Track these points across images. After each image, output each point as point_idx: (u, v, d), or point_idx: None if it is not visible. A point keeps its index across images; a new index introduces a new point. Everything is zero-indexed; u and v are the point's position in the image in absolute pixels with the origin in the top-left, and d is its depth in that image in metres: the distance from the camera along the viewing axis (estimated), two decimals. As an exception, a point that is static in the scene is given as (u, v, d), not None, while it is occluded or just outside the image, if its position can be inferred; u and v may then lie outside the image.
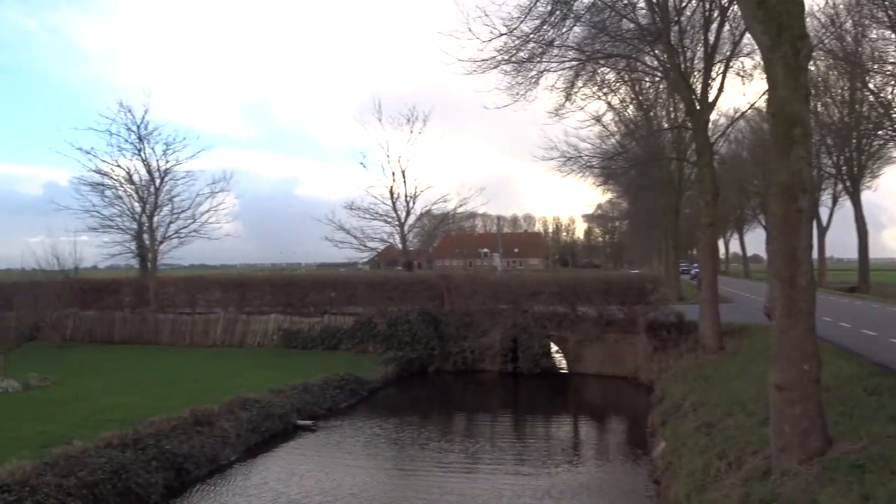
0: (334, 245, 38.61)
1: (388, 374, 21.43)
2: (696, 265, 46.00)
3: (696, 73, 22.55)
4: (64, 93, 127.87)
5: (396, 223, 38.14)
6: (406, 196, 37.50)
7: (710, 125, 21.28)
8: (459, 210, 40.63)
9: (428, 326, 23.58)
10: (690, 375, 15.91)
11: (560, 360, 23.93)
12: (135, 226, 32.03)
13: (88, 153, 31.34)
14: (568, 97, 20.69)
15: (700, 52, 21.81)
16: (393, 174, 37.14)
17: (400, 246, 39.63)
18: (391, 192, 37.33)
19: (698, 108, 19.33)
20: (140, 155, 31.53)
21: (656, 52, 20.62)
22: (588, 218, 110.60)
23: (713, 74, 19.95)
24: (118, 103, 32.38)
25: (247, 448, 13.57)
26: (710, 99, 19.62)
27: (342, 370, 19.51)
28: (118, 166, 31.63)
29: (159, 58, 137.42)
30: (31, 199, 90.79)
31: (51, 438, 11.56)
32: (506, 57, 16.44)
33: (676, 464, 10.39)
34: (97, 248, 32.27)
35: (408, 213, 38.11)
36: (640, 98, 31.77)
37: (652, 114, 34.04)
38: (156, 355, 23.73)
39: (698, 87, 20.22)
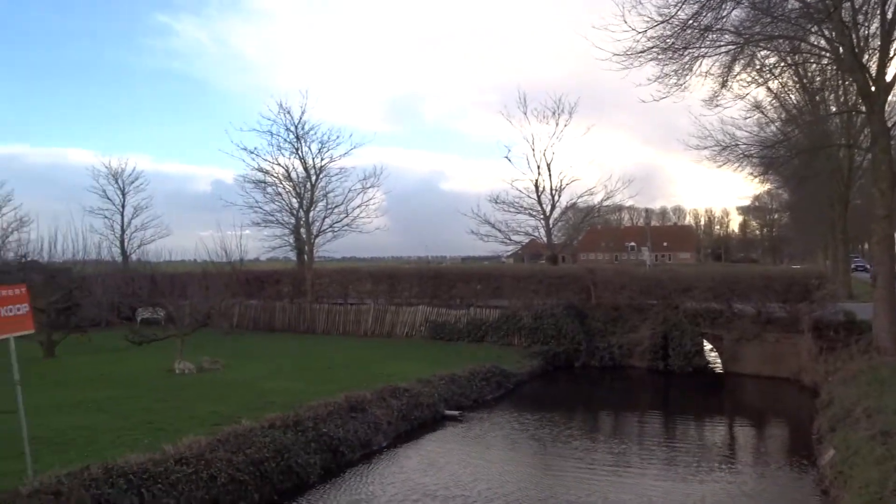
0: (479, 238, 38.94)
1: (534, 367, 21.36)
2: (859, 259, 42.20)
3: (870, 51, 20.65)
4: (228, 98, 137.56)
5: (541, 217, 37.86)
6: (551, 189, 37.11)
7: (887, 108, 19.44)
8: (606, 203, 39.67)
9: (574, 321, 23.27)
10: (863, 379, 14.65)
11: (714, 359, 22.83)
12: (293, 220, 33.98)
13: (252, 153, 33.59)
14: (724, 83, 19.62)
15: (876, 29, 19.94)
16: (538, 167, 36.88)
17: (544, 239, 39.33)
18: (536, 186, 37.08)
19: (873, 89, 17.70)
20: (298, 153, 33.36)
21: (824, 31, 19.08)
22: (743, 210, 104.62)
23: (891, 52, 18.20)
24: (278, 105, 34.49)
25: (396, 435, 14.00)
26: (889, 79, 17.91)
27: (488, 362, 19.65)
28: (278, 164, 33.66)
29: (315, 61, 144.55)
30: (201, 196, 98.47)
31: (221, 417, 12.49)
32: (661, 46, 15.85)
33: (848, 474, 9.61)
34: (259, 242, 34.57)
35: (553, 207, 37.72)
36: (805, 81, 29.55)
37: (818, 98, 31.58)
38: (312, 343, 25.08)
39: (873, 68, 18.50)
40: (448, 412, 15.70)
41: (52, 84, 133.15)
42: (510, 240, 39.22)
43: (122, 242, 44.50)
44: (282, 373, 17.97)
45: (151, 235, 44.57)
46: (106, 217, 44.66)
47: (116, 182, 45.43)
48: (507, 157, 38.32)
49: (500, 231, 38.50)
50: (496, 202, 38.27)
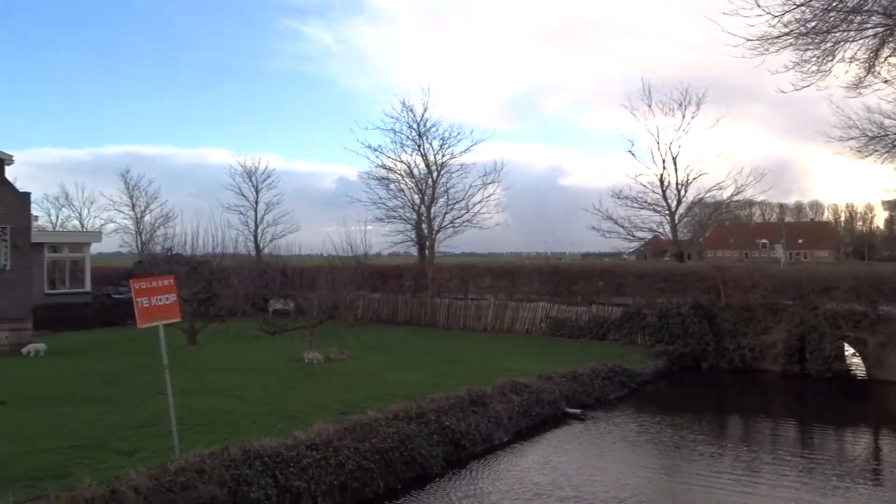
0: (601, 235, 38.27)
1: (658, 367, 20.74)
2: None
3: None
4: (353, 97, 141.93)
5: (666, 212, 36.74)
6: (677, 184, 35.96)
7: None
8: (735, 198, 38.03)
9: (701, 320, 22.38)
10: None
11: (856, 365, 21.30)
12: (414, 216, 34.67)
13: (376, 150, 34.54)
14: (870, 69, 18.16)
15: None
16: (663, 161, 35.79)
17: (669, 236, 38.10)
18: (661, 181, 36.03)
19: None
20: (419, 150, 34.01)
21: None
22: (890, 205, 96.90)
23: None
24: (401, 103, 35.18)
25: (517, 431, 13.97)
26: None
27: (610, 361, 19.26)
28: (400, 161, 34.44)
29: (435, 58, 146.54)
30: (326, 193, 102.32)
31: (348, 406, 12.93)
32: (800, 30, 14.87)
33: None
34: (382, 237, 35.51)
35: (678, 202, 36.52)
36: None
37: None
38: (433, 337, 25.50)
39: None
40: (569, 410, 15.52)
41: (195, 89, 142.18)
42: (633, 236, 38.29)
43: (255, 237, 46.96)
44: (404, 365, 18.37)
45: (282, 230, 46.81)
46: (241, 213, 47.32)
47: (251, 180, 48.01)
48: (630, 152, 37.46)
49: (622, 227, 37.68)
50: (619, 197, 37.48)
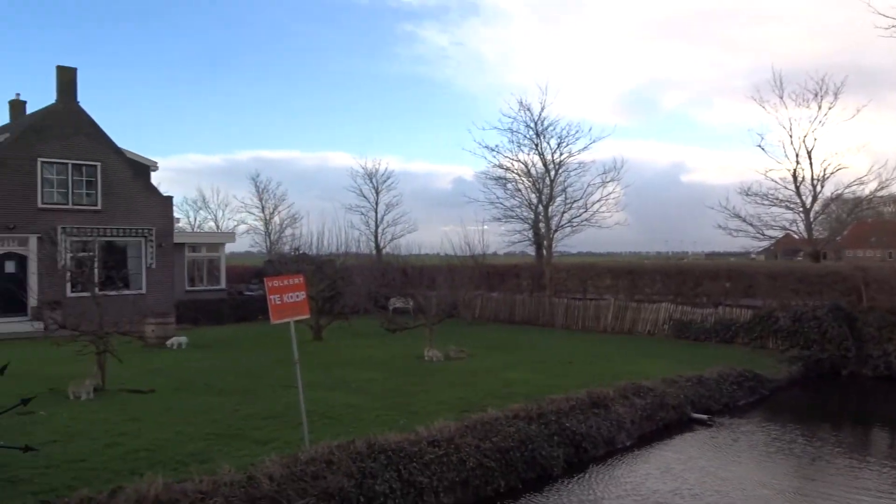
0: (728, 233, 36.66)
1: (792, 373, 19.61)
2: None
3: None
4: (468, 98, 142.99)
5: (800, 209, 34.72)
6: (812, 179, 33.91)
7: None
8: (879, 193, 35.37)
9: (841, 324, 20.96)
10: None
11: None
12: (532, 215, 34.53)
13: (493, 150, 34.66)
14: None
15: None
16: (796, 155, 33.82)
17: (804, 234, 35.96)
18: (794, 176, 34.08)
19: None
20: (537, 149, 33.88)
21: None
22: None
23: None
24: (518, 102, 35.19)
25: (640, 435, 13.62)
26: None
27: (739, 365, 18.40)
28: (517, 161, 34.40)
29: (551, 56, 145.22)
30: (443, 193, 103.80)
31: (468, 404, 13.04)
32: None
33: None
34: (499, 237, 35.66)
35: (814, 199, 34.43)
36: None
37: None
38: (551, 337, 25.28)
39: None
40: (695, 415, 14.96)
41: (318, 95, 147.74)
42: (763, 234, 36.43)
43: (376, 237, 48.30)
44: (523, 364, 18.32)
45: (401, 230, 47.92)
46: (362, 214, 48.82)
47: (371, 181, 49.44)
48: (759, 146, 35.65)
49: (751, 225, 35.95)
50: (747, 194, 35.77)
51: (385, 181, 49.50)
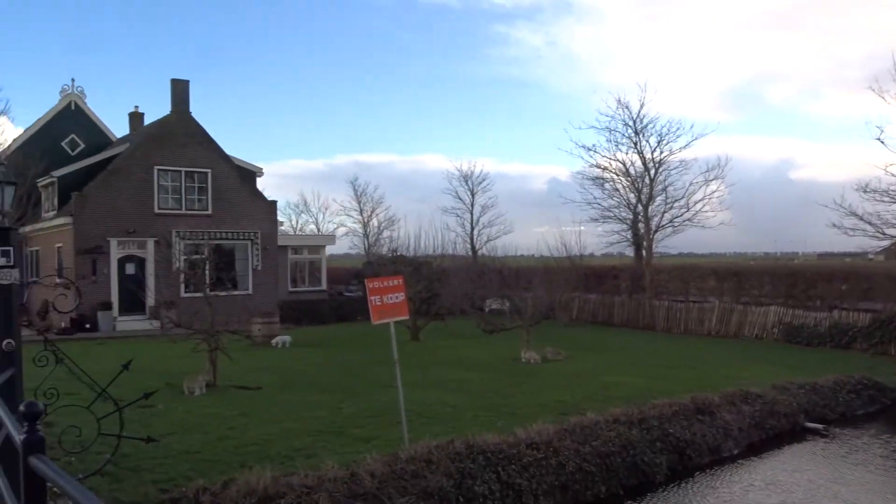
0: (842, 232, 34.54)
1: (917, 382, 18.31)
2: None
3: None
4: (562, 97, 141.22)
5: (925, 206, 32.34)
6: (942, 173, 31.47)
7: None
8: None
9: (971, 330, 19.44)
10: None
11: None
12: (630, 215, 33.76)
13: (590, 150, 34.11)
14: None
15: None
16: (923, 147, 31.51)
17: (930, 233, 33.52)
18: (919, 170, 31.75)
19: None
20: (636, 148, 33.04)
21: None
22: None
23: None
24: (616, 100, 34.43)
25: (749, 444, 13.07)
26: None
27: (857, 372, 17.36)
28: (615, 160, 33.70)
29: (649, 53, 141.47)
30: (538, 194, 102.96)
31: (567, 407, 12.89)
32: None
33: None
34: (596, 238, 35.00)
35: (943, 194, 31.98)
36: None
37: None
38: (652, 339, 24.65)
39: None
40: (809, 425, 14.22)
41: (413, 99, 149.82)
42: (883, 234, 34.04)
43: (471, 238, 48.40)
44: (622, 367, 17.95)
45: (497, 232, 47.76)
46: (458, 216, 49.02)
47: (466, 183, 49.58)
48: (878, 139, 33.41)
49: (869, 224, 33.72)
50: (864, 191, 33.53)
51: (480, 183, 49.56)
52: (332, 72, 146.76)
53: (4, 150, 29.25)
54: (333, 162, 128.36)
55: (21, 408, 2.61)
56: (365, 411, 12.48)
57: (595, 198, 34.19)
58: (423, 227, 44.18)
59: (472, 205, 49.53)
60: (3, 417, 3.37)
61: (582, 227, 34.36)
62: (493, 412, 12.55)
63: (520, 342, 19.70)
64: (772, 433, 13.62)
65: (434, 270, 27.35)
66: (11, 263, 5.64)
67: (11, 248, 5.72)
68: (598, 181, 34.31)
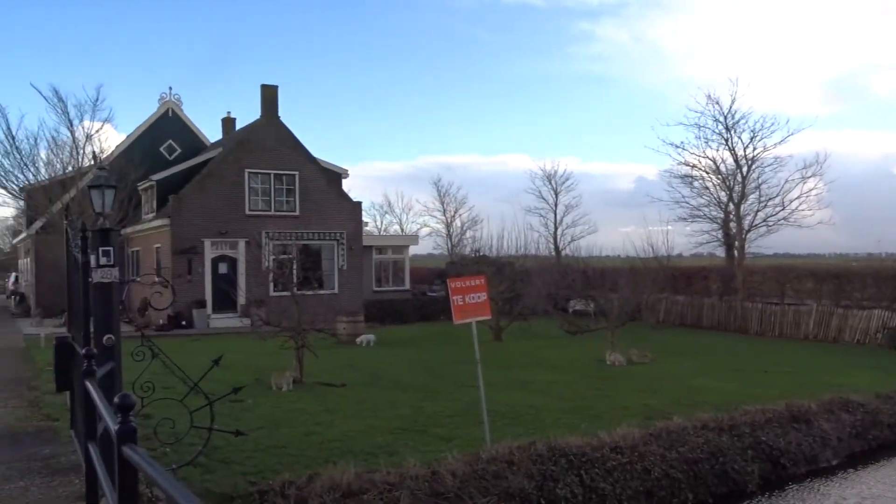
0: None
1: None
2: None
3: None
4: (648, 94, 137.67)
5: None
6: None
7: None
8: None
9: None
10: None
11: None
12: (721, 215, 32.63)
13: (678, 147, 33.18)
14: None
15: None
16: None
17: None
18: None
19: None
20: (727, 145, 31.93)
21: None
22: None
23: None
24: (706, 96, 33.42)
25: (849, 454, 12.41)
26: None
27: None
28: (705, 157, 32.64)
29: (739, 46, 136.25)
30: (623, 194, 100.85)
31: (652, 411, 12.56)
32: None
33: None
34: (685, 237, 33.99)
35: None
36: None
37: None
38: (743, 343, 23.73)
39: None
40: (916, 436, 13.36)
41: (495, 99, 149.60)
42: None
43: (555, 238, 47.92)
44: (711, 371, 17.35)
45: (581, 232, 47.12)
46: (541, 216, 48.62)
47: (549, 183, 49.11)
48: None
49: None
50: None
51: (564, 182, 48.99)
52: (415, 74, 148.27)
53: (108, 156, 30.93)
54: (416, 163, 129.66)
55: (115, 400, 2.74)
56: (446, 410, 12.52)
57: (683, 196, 33.26)
58: (505, 227, 44.07)
59: (556, 204, 49.03)
60: (102, 409, 3.54)
61: (669, 227, 33.45)
62: (575, 414, 12.36)
63: (604, 344, 19.35)
64: (874, 444, 12.88)
65: (517, 270, 27.21)
66: (111, 263, 5.94)
67: (112, 248, 6.03)
68: (687, 179, 33.36)
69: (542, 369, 17.60)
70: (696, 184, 33.14)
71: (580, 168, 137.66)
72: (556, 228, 48.46)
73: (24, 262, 40.48)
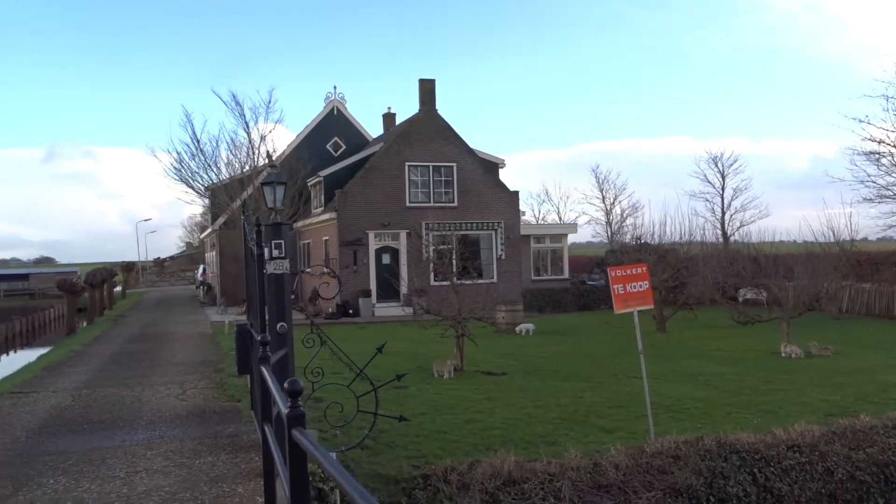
0: None
1: None
2: None
3: None
4: (825, 66, 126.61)
5: None
6: None
7: None
8: None
9: None
10: None
11: None
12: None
13: (862, 121, 30.29)
14: None
15: None
16: None
17: None
18: None
19: None
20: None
21: None
22: None
23: None
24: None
25: None
26: None
27: None
28: (895, 131, 29.55)
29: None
30: (798, 174, 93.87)
31: (835, 408, 11.58)
32: None
33: None
34: (871, 220, 31.04)
35: None
36: None
37: None
38: (945, 336, 21.31)
39: None
40: None
41: (656, 80, 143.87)
42: None
43: (722, 224, 45.53)
44: (905, 367, 15.73)
45: (750, 217, 44.44)
46: (707, 200, 46.37)
47: (716, 166, 46.71)
48: None
49: None
50: None
51: (731, 164, 46.41)
52: (569, 61, 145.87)
53: (280, 155, 33.07)
54: (574, 150, 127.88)
55: (285, 385, 2.90)
56: (608, 401, 12.25)
57: (869, 175, 30.35)
58: (668, 213, 42.46)
59: (723, 188, 46.60)
60: (275, 393, 3.78)
61: (852, 209, 30.67)
62: (747, 409, 11.66)
63: (779, 335, 18.12)
64: None
65: (681, 258, 26.07)
66: (283, 255, 6.33)
67: (283, 241, 6.42)
68: (873, 156, 30.37)
69: (709, 361, 16.77)
70: (884, 161, 30.13)
71: (749, 149, 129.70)
72: (723, 213, 46.08)
73: (210, 255, 44.27)
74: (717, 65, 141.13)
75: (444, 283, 20.79)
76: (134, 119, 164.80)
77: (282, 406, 3.01)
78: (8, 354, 33.34)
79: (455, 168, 30.41)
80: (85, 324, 32.15)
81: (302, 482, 2.80)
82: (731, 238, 42.61)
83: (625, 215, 53.53)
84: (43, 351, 23.12)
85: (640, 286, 10.33)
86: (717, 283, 25.06)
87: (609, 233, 54.56)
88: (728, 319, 22.44)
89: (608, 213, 56.60)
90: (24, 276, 62.02)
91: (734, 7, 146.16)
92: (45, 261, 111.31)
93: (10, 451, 8.03)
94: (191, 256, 77.68)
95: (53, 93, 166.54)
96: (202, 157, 32.92)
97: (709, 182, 46.70)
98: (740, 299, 27.90)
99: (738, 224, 44.68)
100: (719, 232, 43.79)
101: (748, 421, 10.73)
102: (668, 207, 68.74)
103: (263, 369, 4.83)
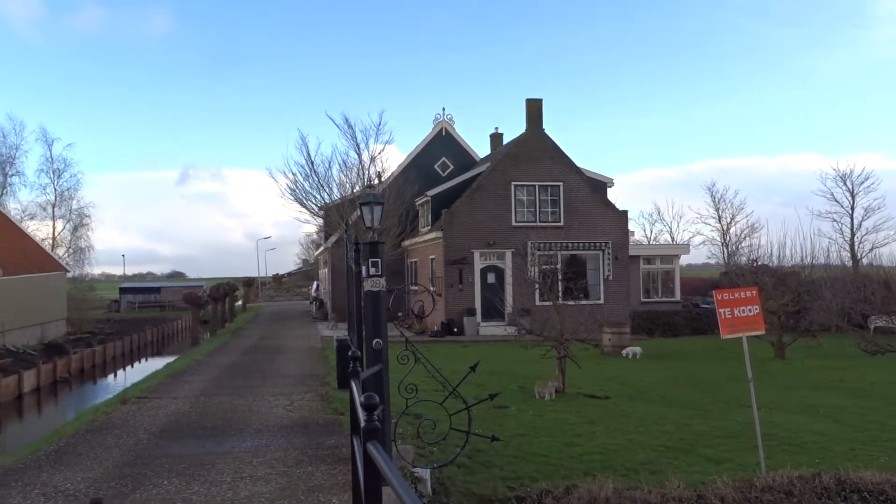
0: None
1: None
2: None
3: None
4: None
5: None
6: None
7: None
8: None
9: None
10: None
11: None
12: None
13: None
14: None
15: None
16: None
17: None
18: None
19: None
20: None
21: None
22: None
23: None
24: None
25: None
26: None
27: None
28: None
29: None
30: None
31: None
32: None
33: None
34: None
35: None
36: None
37: None
38: None
39: None
40: None
41: (780, 95, 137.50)
42: None
43: (851, 246, 42.77)
44: None
45: (884, 238, 41.54)
46: (834, 220, 43.74)
47: (844, 184, 44.02)
48: None
49: None
50: None
51: (862, 183, 43.56)
52: (687, 77, 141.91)
53: (389, 176, 33.89)
54: (690, 168, 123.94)
55: (361, 399, 2.95)
56: (716, 430, 11.70)
57: None
58: (788, 234, 40.14)
59: (853, 207, 43.84)
60: (357, 407, 3.85)
61: None
62: (873, 446, 10.82)
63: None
64: None
65: (802, 282, 24.66)
66: (379, 273, 6.47)
67: (380, 260, 6.57)
68: None
69: (832, 392, 15.71)
70: None
71: (883, 165, 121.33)
72: (852, 234, 43.34)
73: (324, 272, 45.80)
74: (847, 77, 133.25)
75: (549, 303, 20.57)
76: (258, 142, 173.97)
77: (361, 419, 3.06)
78: (139, 362, 35.77)
79: (561, 187, 30.13)
80: (208, 335, 34.02)
81: (376, 495, 2.83)
82: (861, 261, 39.95)
83: (742, 236, 51.28)
84: (170, 359, 24.64)
85: (750, 311, 9.83)
86: (843, 308, 23.52)
87: (725, 254, 52.35)
88: (855, 348, 21.02)
89: (724, 233, 54.41)
90: (157, 289, 67.03)
91: (868, 17, 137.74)
92: (177, 275, 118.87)
93: (133, 452, 8.58)
94: (307, 273, 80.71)
95: (188, 117, 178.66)
96: (315, 178, 34.20)
97: (836, 201, 44.10)
98: (871, 327, 26.05)
99: (868, 246, 41.88)
100: (847, 254, 41.14)
101: (873, 459, 9.95)
102: (789, 228, 65.29)
103: (353, 383, 4.94)
